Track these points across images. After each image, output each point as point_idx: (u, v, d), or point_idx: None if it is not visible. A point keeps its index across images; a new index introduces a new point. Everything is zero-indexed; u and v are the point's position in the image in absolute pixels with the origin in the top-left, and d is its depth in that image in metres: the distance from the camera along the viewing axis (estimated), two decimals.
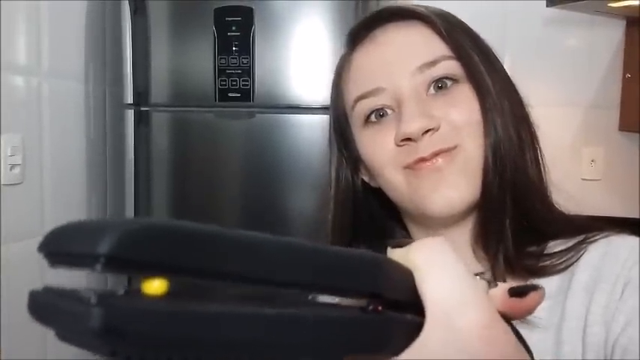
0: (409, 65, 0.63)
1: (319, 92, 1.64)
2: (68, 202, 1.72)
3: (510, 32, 2.10)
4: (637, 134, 2.04)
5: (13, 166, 1.47)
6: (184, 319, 0.18)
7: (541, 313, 0.56)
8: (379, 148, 0.63)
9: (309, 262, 0.22)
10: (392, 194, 0.65)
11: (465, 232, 0.64)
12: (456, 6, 2.23)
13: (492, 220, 0.62)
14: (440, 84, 0.62)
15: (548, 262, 0.61)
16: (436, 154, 0.60)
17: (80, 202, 1.79)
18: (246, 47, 1.63)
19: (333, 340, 0.22)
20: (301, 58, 1.64)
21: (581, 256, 0.61)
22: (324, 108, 1.64)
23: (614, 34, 2.04)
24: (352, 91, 0.68)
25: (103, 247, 0.17)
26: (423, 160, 0.60)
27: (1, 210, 1.44)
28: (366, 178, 0.70)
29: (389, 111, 0.63)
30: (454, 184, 0.60)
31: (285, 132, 1.67)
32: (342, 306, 0.24)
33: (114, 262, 0.17)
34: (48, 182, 1.62)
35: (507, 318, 0.28)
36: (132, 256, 0.17)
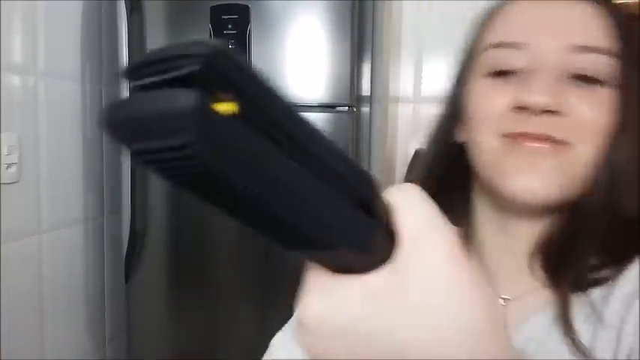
0: (563, 38, 0.56)
1: (316, 90, 1.64)
2: (65, 200, 1.72)
3: None
4: None
5: (9, 165, 1.47)
6: (256, 140, 0.20)
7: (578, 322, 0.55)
8: (488, 104, 0.58)
9: (336, 153, 0.24)
10: (476, 157, 0.59)
11: (531, 233, 0.60)
12: (452, 3, 2.25)
13: (577, 238, 0.56)
14: (583, 77, 0.56)
15: (594, 276, 0.56)
16: (544, 139, 0.54)
17: (77, 200, 1.79)
18: (242, 45, 1.63)
19: (342, 223, 0.24)
20: (297, 56, 1.64)
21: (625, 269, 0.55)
22: (321, 106, 1.64)
23: None
24: (490, 36, 0.63)
25: (206, 50, 0.19)
26: (527, 136, 0.55)
27: None
28: (458, 133, 0.65)
29: (517, 71, 0.57)
30: (545, 176, 0.54)
31: None
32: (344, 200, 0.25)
33: (210, 69, 0.19)
34: (44, 181, 1.62)
35: None
36: (226, 68, 0.19)
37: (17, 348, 1.53)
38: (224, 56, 0.19)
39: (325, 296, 0.27)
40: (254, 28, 1.63)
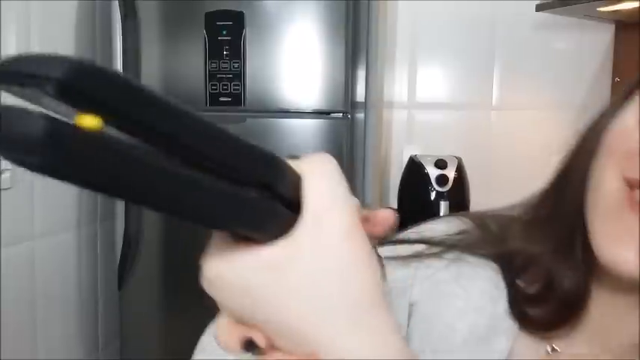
0: None
1: (310, 97, 1.64)
2: (58, 206, 1.72)
3: (500, 36, 2.11)
4: None
5: (3, 171, 1.47)
6: (114, 153, 0.21)
7: None
8: (623, 127, 0.47)
9: (221, 140, 0.25)
10: (590, 193, 0.48)
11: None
12: (447, 9, 2.26)
13: None
14: None
15: None
16: None
17: (70, 206, 1.78)
18: (237, 51, 1.64)
19: (223, 209, 0.25)
20: (292, 62, 1.64)
21: None
22: (315, 112, 1.64)
23: (603, 37, 2.05)
24: None
25: (56, 72, 0.19)
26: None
27: None
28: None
29: None
30: None
31: (276, 136, 1.67)
32: (240, 187, 0.26)
33: (64, 88, 0.19)
34: (38, 187, 1.61)
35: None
36: (81, 84, 0.19)
37: (10, 353, 1.52)
38: (79, 74, 0.20)
39: (225, 260, 0.29)
40: (249, 34, 1.63)
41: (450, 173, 1.90)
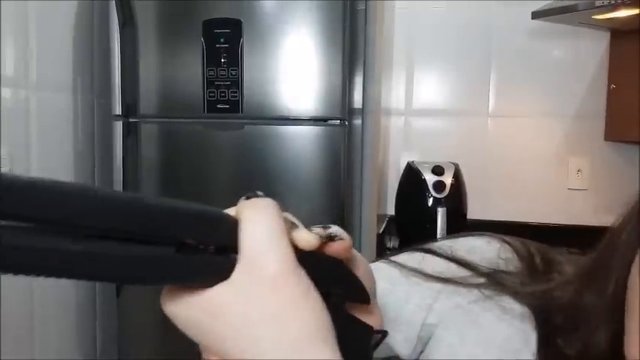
0: None
1: (308, 103, 1.65)
2: None
3: (496, 44, 2.12)
4: (622, 144, 2.06)
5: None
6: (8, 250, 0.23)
7: None
8: None
9: (120, 212, 0.26)
10: (630, 292, 0.43)
11: None
12: (443, 17, 2.27)
13: None
14: None
15: None
16: None
17: None
18: (234, 59, 1.64)
19: (143, 270, 0.28)
20: (290, 69, 1.65)
21: None
22: (313, 119, 1.65)
23: (598, 45, 2.07)
24: None
25: None
26: None
27: None
28: None
29: None
30: None
31: (274, 143, 1.67)
32: (156, 246, 0.28)
33: None
34: None
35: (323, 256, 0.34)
36: None
37: (8, 358, 1.52)
38: None
39: (174, 302, 0.32)
40: (246, 42, 1.64)
41: (447, 179, 1.91)
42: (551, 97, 2.12)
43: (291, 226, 0.34)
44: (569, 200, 2.13)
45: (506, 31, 2.11)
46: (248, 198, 0.34)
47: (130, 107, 1.73)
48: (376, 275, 0.54)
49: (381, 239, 1.94)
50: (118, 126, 1.74)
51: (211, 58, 1.65)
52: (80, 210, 0.25)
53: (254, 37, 1.64)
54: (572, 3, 1.69)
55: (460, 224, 1.94)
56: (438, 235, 1.87)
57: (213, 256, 0.31)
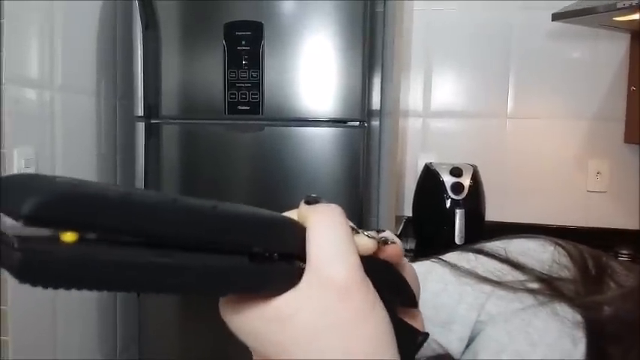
0: None
1: (327, 105, 1.66)
2: None
3: (515, 45, 2.12)
4: None
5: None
6: (84, 262, 0.24)
7: None
8: None
9: (202, 223, 0.27)
10: None
11: None
12: (462, 18, 2.27)
13: None
14: None
15: None
16: None
17: None
18: (255, 61, 1.66)
19: (218, 281, 0.28)
20: (309, 71, 1.66)
21: None
22: (332, 121, 1.66)
23: (618, 47, 2.06)
24: None
25: (25, 209, 0.22)
26: None
27: None
28: None
29: None
30: None
31: (293, 144, 1.69)
32: (227, 253, 0.28)
33: (32, 221, 0.22)
34: None
35: (380, 261, 0.34)
36: (44, 216, 0.22)
37: (30, 357, 1.54)
38: (42, 209, 0.22)
39: (236, 311, 0.31)
40: (267, 44, 1.65)
41: (466, 181, 1.91)
42: (570, 99, 2.12)
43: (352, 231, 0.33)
44: (588, 203, 2.12)
45: (526, 32, 2.11)
46: (308, 202, 0.33)
47: (151, 109, 1.76)
48: (429, 276, 0.53)
49: None
50: (140, 127, 1.76)
51: (232, 60, 1.67)
52: (162, 220, 0.25)
53: (275, 40, 1.66)
54: (593, 5, 1.69)
55: (478, 226, 1.94)
56: (456, 237, 1.87)
57: (283, 264, 0.30)
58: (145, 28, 1.73)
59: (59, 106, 1.64)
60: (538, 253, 0.53)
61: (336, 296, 0.30)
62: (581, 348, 0.47)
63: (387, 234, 0.36)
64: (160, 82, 1.74)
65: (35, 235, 0.23)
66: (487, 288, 0.51)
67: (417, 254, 2.03)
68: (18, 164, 1.47)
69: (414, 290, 0.38)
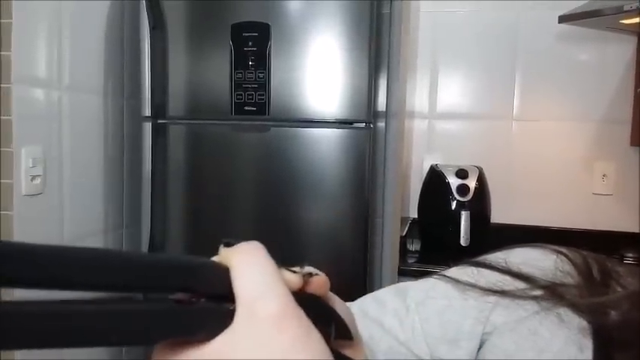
0: None
1: (334, 106, 1.67)
2: (86, 212, 1.76)
3: (522, 47, 2.12)
4: None
5: (34, 177, 1.51)
6: (11, 317, 0.23)
7: None
8: None
9: (121, 267, 0.27)
10: None
11: None
12: (469, 19, 2.27)
13: None
14: None
15: None
16: None
17: (98, 212, 1.82)
18: (262, 62, 1.67)
19: (146, 327, 0.27)
20: (316, 72, 1.67)
21: None
22: (339, 122, 1.67)
23: (625, 49, 2.05)
24: None
25: None
26: None
27: (22, 220, 1.47)
28: None
29: None
30: None
31: (299, 145, 1.69)
32: (154, 300, 0.28)
33: None
34: (68, 193, 1.65)
35: (310, 296, 0.34)
36: None
37: (37, 354, 1.55)
38: None
39: (171, 358, 0.30)
40: (274, 45, 1.66)
41: (471, 183, 1.91)
42: (576, 101, 2.12)
43: None
44: (594, 205, 2.12)
45: (533, 34, 2.11)
46: (227, 245, 0.33)
47: (159, 109, 1.77)
48: (431, 292, 0.53)
49: (403, 242, 1.95)
50: (147, 127, 1.77)
51: (239, 61, 1.68)
52: (82, 266, 0.25)
53: (281, 41, 1.66)
54: (600, 7, 1.69)
55: (484, 228, 1.94)
56: (461, 239, 1.88)
57: (212, 305, 0.30)
58: (153, 28, 1.74)
59: (67, 105, 1.65)
60: (540, 262, 0.53)
61: (271, 328, 0.30)
62: (588, 354, 0.46)
63: (311, 268, 0.36)
64: (167, 82, 1.75)
65: None
66: (491, 299, 0.51)
67: (422, 256, 2.04)
68: (26, 163, 1.48)
69: (348, 321, 0.38)
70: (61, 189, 1.63)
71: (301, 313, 0.31)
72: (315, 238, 1.72)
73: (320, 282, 0.36)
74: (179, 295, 0.29)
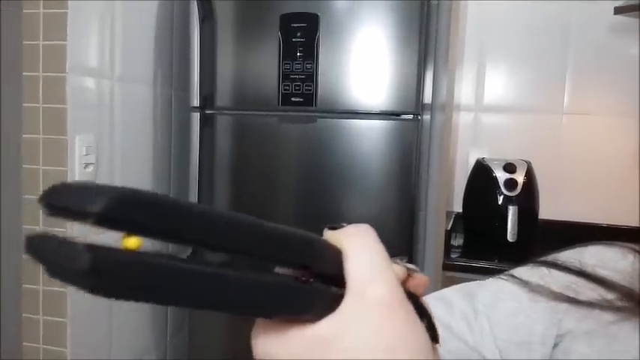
0: None
1: (381, 98, 1.65)
2: None
3: (574, 39, 2.07)
4: None
5: (87, 165, 1.54)
6: (148, 269, 0.23)
7: None
8: None
9: (252, 234, 0.27)
10: None
11: None
12: (518, 11, 2.22)
13: None
14: None
15: None
16: None
17: None
18: (310, 53, 1.66)
19: (266, 300, 0.27)
20: (364, 64, 1.66)
21: None
22: (384, 113, 1.66)
23: None
24: None
25: (96, 207, 0.21)
26: None
27: None
28: None
29: None
30: None
31: (346, 136, 1.69)
32: (279, 274, 0.28)
33: (102, 220, 0.22)
34: (117, 181, 1.69)
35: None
36: (114, 215, 0.22)
37: (87, 339, 1.59)
38: (115, 207, 0.22)
39: (274, 339, 0.30)
40: (322, 36, 1.66)
41: (519, 177, 1.87)
42: (628, 96, 2.05)
43: None
44: None
45: (586, 26, 2.05)
46: (332, 228, 0.32)
47: (206, 100, 1.79)
48: (499, 294, 0.52)
49: (447, 236, 1.93)
50: (195, 117, 1.79)
51: (287, 52, 1.68)
52: (216, 229, 0.25)
53: (330, 32, 1.66)
54: None
55: (531, 224, 1.90)
56: (508, 234, 1.84)
57: (323, 287, 0.29)
58: (202, 20, 1.75)
59: (118, 95, 1.68)
60: (616, 263, 0.50)
61: (381, 314, 0.29)
62: None
63: (412, 265, 0.36)
64: (216, 73, 1.76)
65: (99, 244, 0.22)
66: (562, 306, 0.49)
67: (466, 250, 2.01)
68: (79, 151, 1.51)
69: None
70: (112, 177, 1.67)
71: (408, 303, 0.31)
72: None
73: (422, 280, 0.35)
74: (297, 272, 0.29)
